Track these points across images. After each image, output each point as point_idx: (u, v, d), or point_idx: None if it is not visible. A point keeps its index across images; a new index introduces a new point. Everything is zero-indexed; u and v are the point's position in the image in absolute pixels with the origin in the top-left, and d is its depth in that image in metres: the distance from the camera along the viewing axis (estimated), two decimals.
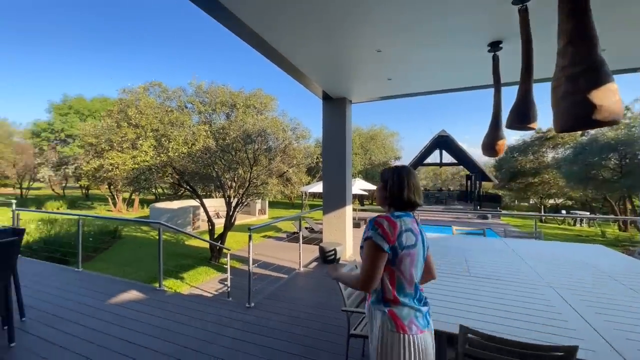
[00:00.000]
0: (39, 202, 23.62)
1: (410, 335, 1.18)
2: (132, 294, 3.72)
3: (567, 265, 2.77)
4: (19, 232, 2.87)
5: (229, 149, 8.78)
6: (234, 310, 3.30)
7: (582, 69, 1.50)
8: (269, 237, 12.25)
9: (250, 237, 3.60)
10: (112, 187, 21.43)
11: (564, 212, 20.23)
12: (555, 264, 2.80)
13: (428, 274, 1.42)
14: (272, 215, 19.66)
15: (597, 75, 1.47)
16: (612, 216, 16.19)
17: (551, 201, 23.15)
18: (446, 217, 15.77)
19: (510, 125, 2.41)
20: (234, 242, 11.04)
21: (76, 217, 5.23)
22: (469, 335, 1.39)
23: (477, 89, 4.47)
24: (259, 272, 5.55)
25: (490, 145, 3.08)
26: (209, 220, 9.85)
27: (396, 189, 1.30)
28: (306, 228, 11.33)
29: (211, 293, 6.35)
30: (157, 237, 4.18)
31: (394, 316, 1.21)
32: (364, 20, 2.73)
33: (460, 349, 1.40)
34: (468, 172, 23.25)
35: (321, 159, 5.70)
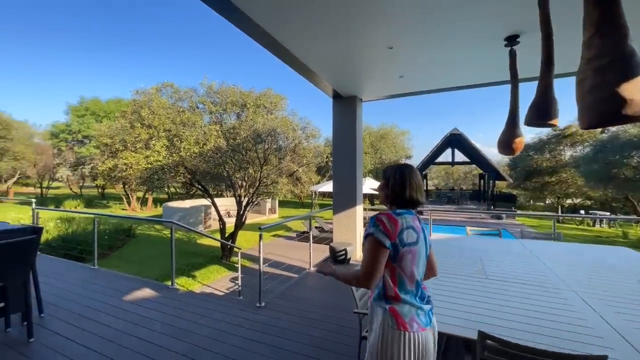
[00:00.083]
0: (57, 201, 24.43)
1: (411, 333, 1.18)
2: (145, 292, 3.77)
3: (590, 268, 2.64)
4: (37, 231, 2.94)
5: (240, 148, 8.84)
6: (244, 310, 3.31)
7: (610, 60, 1.41)
8: (279, 236, 12.30)
9: (260, 236, 3.59)
10: (126, 186, 21.96)
11: (582, 212, 19.54)
12: (577, 266, 2.68)
13: (430, 271, 1.42)
14: (282, 215, 19.74)
15: (627, 67, 1.37)
16: (635, 216, 15.53)
17: (569, 201, 22.40)
18: (459, 217, 15.47)
19: (529, 122, 2.30)
20: (245, 240, 11.13)
21: (92, 215, 5.36)
22: (488, 341, 1.32)
23: (493, 85, 4.34)
24: (269, 272, 5.56)
25: (507, 143, 2.97)
26: (220, 219, 9.96)
27: (398, 187, 1.31)
28: (316, 227, 11.32)
29: (222, 292, 6.40)
30: (170, 236, 4.24)
31: (394, 313, 1.20)
32: (375, 17, 2.68)
33: (479, 356, 1.34)
34: (481, 171, 22.75)
35: (331, 158, 5.65)
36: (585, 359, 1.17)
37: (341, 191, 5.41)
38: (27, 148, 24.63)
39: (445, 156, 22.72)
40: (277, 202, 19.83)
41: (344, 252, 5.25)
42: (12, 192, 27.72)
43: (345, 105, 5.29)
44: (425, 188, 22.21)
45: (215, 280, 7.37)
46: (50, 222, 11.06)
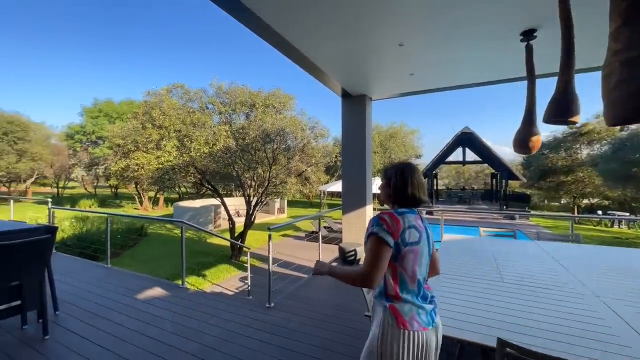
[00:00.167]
0: (73, 201, 25.12)
1: (412, 332, 1.16)
2: (156, 291, 3.81)
3: (614, 272, 2.52)
4: (52, 230, 3.00)
5: (249, 148, 8.88)
6: (254, 310, 3.30)
7: None
8: (288, 236, 12.32)
9: (270, 237, 3.58)
10: (138, 186, 22.39)
11: (599, 212, 18.91)
12: (599, 270, 2.56)
13: (432, 270, 1.40)
14: (291, 214, 19.79)
15: None
16: None
17: (585, 201, 21.71)
18: (470, 217, 15.19)
19: (548, 119, 2.21)
20: (254, 240, 11.19)
21: (105, 215, 5.46)
22: (508, 349, 1.26)
23: (507, 82, 4.21)
24: (278, 271, 5.56)
25: (523, 141, 2.88)
26: (230, 218, 10.03)
27: (400, 185, 1.30)
28: (325, 227, 11.29)
29: (232, 291, 6.44)
30: (180, 235, 4.27)
31: (395, 311, 1.19)
32: (385, 13, 2.62)
33: None
34: (493, 171, 22.29)
35: (340, 158, 5.60)
36: None
37: (350, 191, 5.36)
38: (44, 149, 25.42)
39: (456, 155, 22.34)
40: (285, 201, 19.89)
41: (353, 252, 5.20)
42: (31, 192, 28.64)
43: (355, 104, 5.23)
44: (435, 188, 21.94)
45: (224, 280, 7.43)
46: (66, 221, 11.37)
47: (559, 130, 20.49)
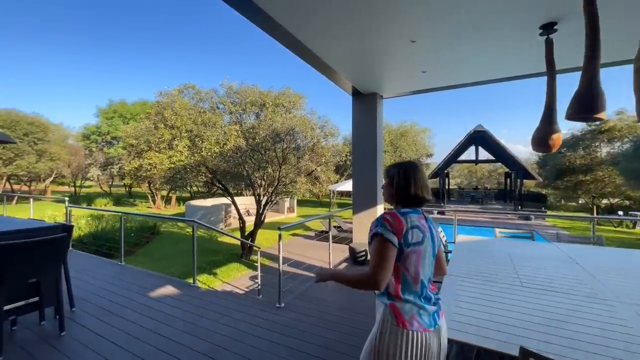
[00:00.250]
0: (89, 199, 25.87)
1: (411, 331, 1.15)
2: (168, 289, 3.85)
3: None
4: (67, 229, 3.06)
5: (259, 148, 8.92)
6: (264, 310, 3.29)
7: None
8: (298, 235, 12.34)
9: (280, 236, 3.57)
10: (151, 185, 22.86)
11: (620, 213, 18.20)
12: (626, 274, 2.43)
13: (438, 269, 1.39)
14: (301, 214, 19.82)
15: None
16: None
17: (605, 201, 20.92)
18: (483, 217, 14.87)
19: (572, 116, 2.11)
20: (264, 239, 11.25)
21: (119, 213, 5.57)
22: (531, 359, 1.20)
23: (525, 78, 4.06)
24: (289, 271, 5.55)
25: (542, 140, 2.76)
26: (240, 217, 10.11)
27: (402, 185, 1.29)
28: (335, 227, 11.24)
29: (242, 290, 6.48)
30: (192, 234, 4.31)
31: (395, 310, 1.19)
32: (397, 9, 2.55)
33: None
34: (507, 170, 21.75)
35: (350, 157, 5.55)
36: None
37: (361, 190, 5.30)
38: (62, 149, 26.26)
39: (469, 154, 21.91)
40: (295, 201, 19.93)
41: (364, 252, 5.14)
42: (50, 191, 29.64)
43: (365, 103, 5.17)
44: (447, 187, 21.57)
45: (235, 278, 7.48)
46: (82, 220, 11.70)
47: (576, 127, 19.83)
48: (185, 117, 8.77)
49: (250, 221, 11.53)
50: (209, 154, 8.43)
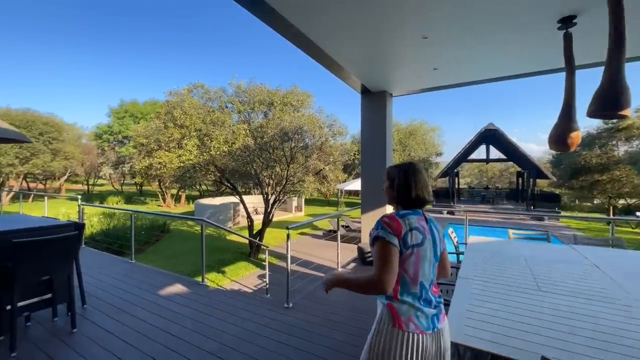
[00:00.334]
0: (102, 197, 26.43)
1: (407, 333, 1.15)
2: (177, 288, 3.88)
3: None
4: (79, 227, 3.10)
5: (267, 147, 8.93)
6: (272, 310, 3.27)
7: None
8: (305, 234, 12.33)
9: (288, 236, 3.54)
10: (161, 183, 23.21)
11: (638, 214, 17.59)
12: None
13: (442, 270, 1.39)
14: (308, 212, 19.82)
15: None
16: None
17: (622, 201, 20.25)
18: (495, 217, 14.58)
19: (594, 113, 2.01)
20: (272, 238, 11.27)
21: (129, 212, 5.64)
22: None
23: (541, 74, 3.93)
24: (297, 270, 5.53)
25: (560, 138, 2.66)
26: (248, 216, 10.15)
27: (403, 187, 1.29)
28: (343, 226, 11.18)
29: (250, 288, 6.49)
30: (201, 232, 4.33)
31: (392, 310, 1.20)
32: (409, 3, 2.48)
33: None
34: (519, 169, 21.29)
35: (358, 156, 5.48)
36: None
37: (370, 189, 5.24)
38: (75, 148, 26.89)
39: (479, 153, 21.53)
40: (303, 200, 19.93)
41: None
42: (64, 189, 30.40)
43: (375, 101, 5.10)
44: (457, 186, 21.23)
45: (243, 277, 7.51)
46: (94, 217, 11.94)
47: (592, 125, 19.23)
48: (195, 117, 8.84)
49: (258, 220, 11.58)
50: (217, 153, 8.48)
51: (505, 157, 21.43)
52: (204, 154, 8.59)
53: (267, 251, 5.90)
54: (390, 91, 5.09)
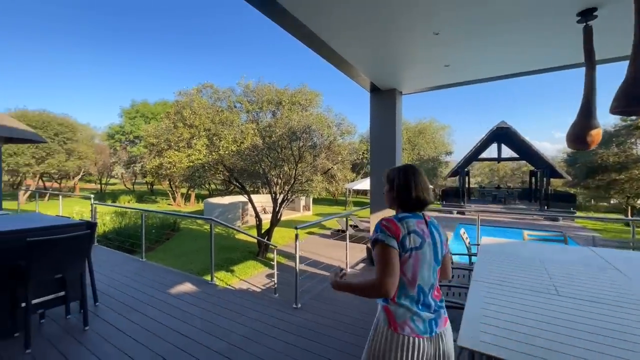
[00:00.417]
0: (114, 196, 26.99)
1: (402, 335, 1.16)
2: (187, 287, 3.90)
3: None
4: (91, 226, 3.14)
5: (275, 146, 8.93)
6: (280, 310, 3.26)
7: None
8: (314, 233, 12.31)
9: (296, 236, 3.51)
10: (171, 183, 23.53)
11: None
12: None
13: (442, 272, 1.38)
14: (316, 212, 19.81)
15: None
16: None
17: None
18: (506, 217, 14.28)
19: (617, 110, 1.91)
20: (280, 237, 11.29)
21: (140, 211, 5.71)
22: None
23: (559, 69, 3.79)
24: (305, 270, 5.51)
25: (579, 136, 2.55)
26: (257, 216, 10.19)
27: (403, 187, 1.30)
28: (351, 226, 11.12)
29: (259, 288, 6.50)
30: (210, 231, 4.35)
31: (388, 312, 1.21)
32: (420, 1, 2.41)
33: None
34: (532, 168, 20.80)
35: (366, 155, 5.42)
36: None
37: (379, 189, 5.16)
38: (89, 148, 27.54)
39: (490, 151, 21.11)
40: (311, 199, 19.92)
41: None
42: (78, 188, 31.17)
43: (384, 99, 5.02)
44: (467, 186, 20.88)
45: (252, 276, 7.54)
46: (107, 216, 12.17)
47: (609, 123, 18.61)
48: (204, 116, 8.91)
49: (266, 219, 11.61)
50: (226, 152, 8.53)
51: (517, 156, 20.97)
52: (213, 153, 8.66)
53: (275, 250, 5.90)
54: (400, 89, 5.00)
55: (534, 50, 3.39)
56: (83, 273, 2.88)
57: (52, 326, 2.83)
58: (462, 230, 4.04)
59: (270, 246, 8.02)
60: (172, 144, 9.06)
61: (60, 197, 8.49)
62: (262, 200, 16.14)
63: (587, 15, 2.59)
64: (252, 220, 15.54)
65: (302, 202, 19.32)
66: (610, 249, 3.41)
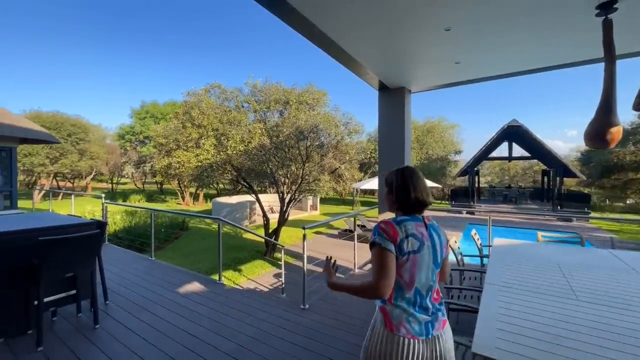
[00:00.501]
0: (125, 195, 27.47)
1: (397, 336, 1.17)
2: (195, 286, 3.92)
3: None
4: (101, 225, 3.17)
5: (283, 146, 8.93)
6: (288, 311, 3.24)
7: None
8: (321, 233, 12.28)
9: (304, 236, 3.49)
10: (180, 182, 23.82)
11: None
12: None
13: (441, 275, 1.36)
14: (323, 211, 19.77)
15: None
16: None
17: None
18: (518, 217, 13.99)
19: None
20: (287, 237, 11.29)
21: (149, 210, 5.78)
22: None
23: (576, 65, 3.66)
24: (313, 270, 5.48)
25: (599, 133, 2.45)
26: (264, 215, 10.21)
27: (401, 187, 1.30)
28: (359, 226, 11.05)
29: (266, 287, 6.51)
30: (217, 231, 4.36)
31: (384, 313, 1.23)
32: None
33: None
34: (544, 167, 20.34)
35: (374, 155, 5.35)
36: None
37: None
38: (100, 148, 28.11)
39: (501, 150, 20.74)
40: (318, 199, 19.90)
41: None
42: (90, 187, 31.84)
43: (393, 97, 4.95)
44: (477, 185, 20.54)
45: (259, 276, 7.55)
46: (117, 215, 12.38)
47: (625, 121, 18.07)
48: (212, 116, 8.96)
49: (274, 219, 11.64)
50: (234, 152, 8.57)
51: (529, 155, 20.53)
52: (221, 153, 8.70)
53: (282, 250, 5.89)
54: (409, 87, 4.92)
55: (550, 46, 3.28)
56: (94, 272, 2.91)
57: (63, 324, 2.87)
58: (473, 232, 3.95)
59: (278, 246, 8.02)
60: (181, 144, 9.15)
61: (73, 196, 8.65)
62: (270, 199, 16.18)
63: (606, 8, 2.48)
64: (259, 220, 15.60)
65: (310, 202, 19.30)
66: (628, 251, 3.29)
